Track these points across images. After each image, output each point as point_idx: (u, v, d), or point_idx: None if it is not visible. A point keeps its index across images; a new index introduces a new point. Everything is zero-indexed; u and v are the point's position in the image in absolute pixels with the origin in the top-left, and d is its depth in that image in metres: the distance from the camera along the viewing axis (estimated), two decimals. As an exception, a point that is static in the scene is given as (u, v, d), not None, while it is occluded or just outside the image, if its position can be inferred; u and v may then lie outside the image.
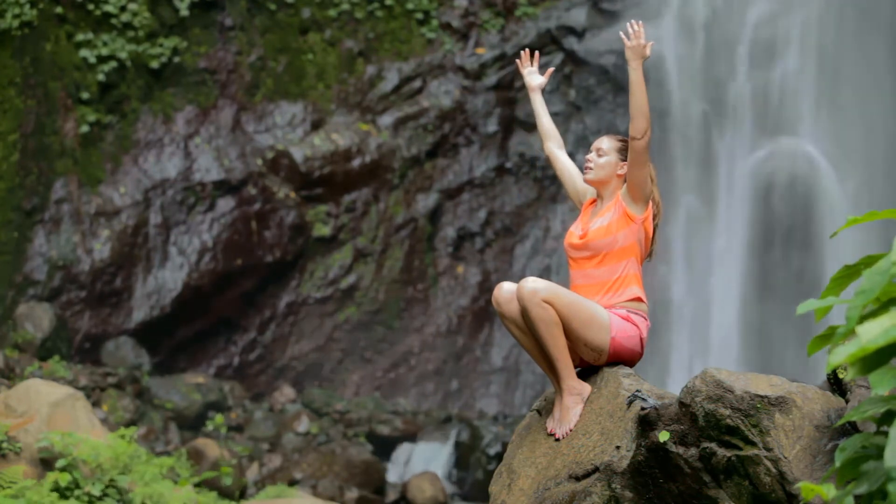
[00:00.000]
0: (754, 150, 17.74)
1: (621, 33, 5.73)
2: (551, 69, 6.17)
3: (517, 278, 16.44)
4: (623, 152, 5.69)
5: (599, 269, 5.57)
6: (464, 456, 15.89)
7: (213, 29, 17.83)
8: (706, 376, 4.70)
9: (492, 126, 18.67)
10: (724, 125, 17.98)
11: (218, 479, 13.37)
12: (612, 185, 5.69)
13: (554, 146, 6.00)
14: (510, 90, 18.74)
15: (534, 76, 6.16)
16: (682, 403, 4.76)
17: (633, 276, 5.57)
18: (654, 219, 5.65)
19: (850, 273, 3.18)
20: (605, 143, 5.72)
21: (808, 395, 4.68)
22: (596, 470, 5.14)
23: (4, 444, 9.28)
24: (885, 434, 3.09)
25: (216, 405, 16.47)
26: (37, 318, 15.80)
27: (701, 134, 18.05)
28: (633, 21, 5.62)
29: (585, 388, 5.47)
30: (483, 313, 18.30)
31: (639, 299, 5.57)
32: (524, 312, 5.37)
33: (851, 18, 17.52)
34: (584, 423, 5.40)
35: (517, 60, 6.16)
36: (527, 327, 5.44)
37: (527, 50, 6.21)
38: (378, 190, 18.24)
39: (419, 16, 18.55)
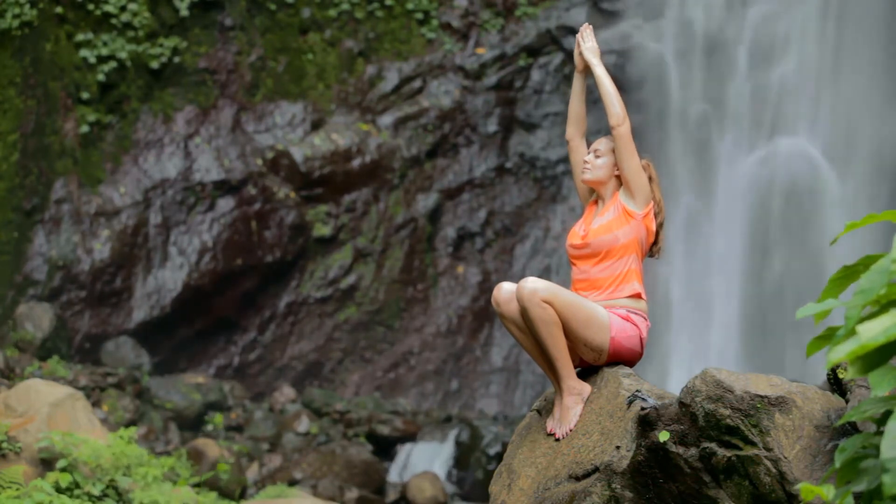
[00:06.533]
0: (754, 150, 17.74)
1: (577, 37, 5.91)
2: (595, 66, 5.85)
3: (517, 278, 16.46)
4: (619, 151, 5.71)
5: (600, 266, 5.59)
6: (464, 456, 15.89)
7: (213, 29, 17.83)
8: (706, 376, 4.71)
9: (492, 126, 18.68)
10: (723, 125, 17.98)
11: (218, 480, 13.37)
12: (610, 185, 5.72)
13: (577, 134, 5.90)
14: (510, 90, 18.74)
15: (585, 55, 5.83)
16: (682, 403, 4.76)
17: (633, 272, 5.58)
18: (655, 217, 5.66)
19: (848, 274, 3.17)
20: (603, 144, 5.74)
21: (808, 395, 4.68)
22: (596, 470, 5.15)
23: (4, 444, 9.28)
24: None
25: (216, 405, 16.47)
26: (37, 318, 15.80)
27: (701, 134, 18.05)
28: (584, 26, 5.90)
29: (585, 388, 5.48)
30: (483, 313, 18.30)
31: (638, 296, 5.58)
32: (524, 312, 5.38)
33: (851, 18, 17.52)
34: (584, 423, 5.40)
35: (577, 37, 5.90)
36: (526, 327, 5.44)
37: (588, 25, 5.93)
38: (378, 190, 18.25)
39: (419, 16, 18.55)
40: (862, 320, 2.85)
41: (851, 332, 2.87)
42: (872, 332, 2.71)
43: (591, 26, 5.94)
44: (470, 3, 18.71)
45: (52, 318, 15.85)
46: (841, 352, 2.76)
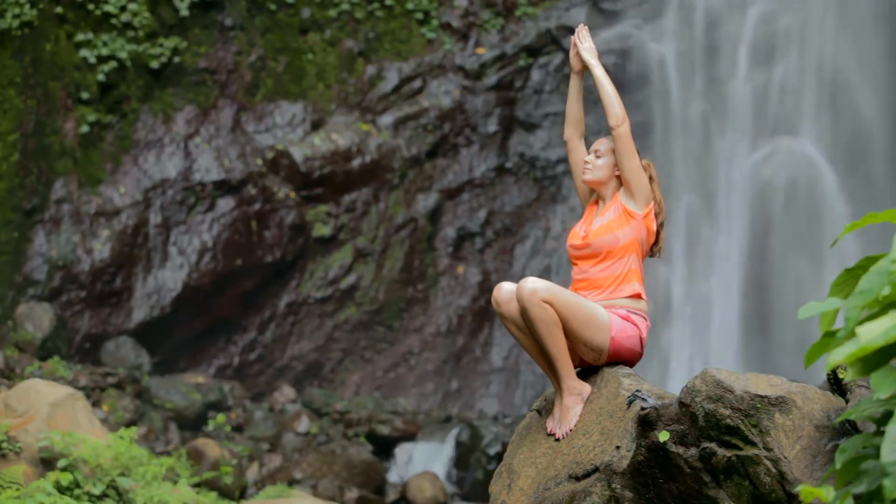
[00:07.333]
0: (754, 150, 17.73)
1: (573, 38, 5.91)
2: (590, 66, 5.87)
3: (517, 278, 16.44)
4: (619, 152, 5.71)
5: (600, 267, 5.59)
6: (464, 456, 15.89)
7: (213, 29, 17.82)
8: (706, 376, 4.71)
9: (492, 126, 18.67)
10: (724, 125, 17.98)
11: (218, 479, 13.37)
12: (610, 185, 5.71)
13: (575, 135, 5.89)
14: (510, 90, 18.74)
15: (584, 55, 5.83)
16: (682, 403, 4.76)
17: (634, 272, 5.58)
18: (656, 217, 5.65)
19: (850, 278, 3.17)
20: (603, 144, 5.74)
21: (808, 395, 4.68)
22: (596, 470, 5.15)
23: (4, 444, 9.28)
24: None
25: (216, 405, 16.47)
26: (37, 318, 15.80)
27: (701, 134, 18.05)
28: (580, 26, 5.93)
29: (585, 388, 5.48)
30: (483, 313, 18.30)
31: (638, 296, 5.58)
32: (524, 312, 5.38)
33: (851, 18, 17.52)
34: (584, 423, 5.40)
35: (572, 38, 5.93)
36: (526, 327, 5.44)
37: (583, 25, 5.95)
38: (378, 190, 18.24)
39: (419, 16, 18.54)
40: (862, 321, 2.85)
41: (851, 334, 2.87)
42: (872, 333, 2.71)
43: (586, 27, 5.94)
44: (470, 3, 18.70)
45: (52, 318, 15.85)
46: (841, 354, 2.75)
